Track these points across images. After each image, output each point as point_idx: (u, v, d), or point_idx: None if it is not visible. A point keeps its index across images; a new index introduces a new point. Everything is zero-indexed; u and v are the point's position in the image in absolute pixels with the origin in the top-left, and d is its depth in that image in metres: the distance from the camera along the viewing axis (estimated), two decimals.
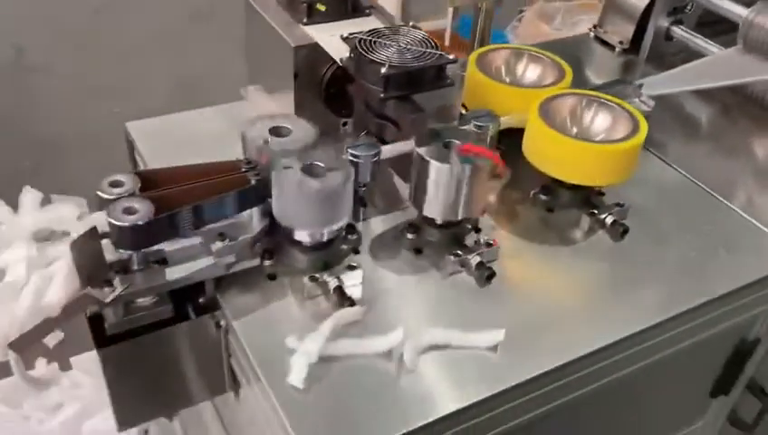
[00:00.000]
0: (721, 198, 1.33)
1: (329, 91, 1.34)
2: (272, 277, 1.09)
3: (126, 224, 0.92)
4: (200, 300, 1.06)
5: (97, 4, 4.27)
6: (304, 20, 1.32)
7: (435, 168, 1.06)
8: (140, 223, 0.93)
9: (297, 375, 0.93)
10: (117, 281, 0.96)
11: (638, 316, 1.08)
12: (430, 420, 0.92)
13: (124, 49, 3.90)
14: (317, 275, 1.06)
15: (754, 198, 1.36)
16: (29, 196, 1.08)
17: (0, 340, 0.91)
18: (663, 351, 1.14)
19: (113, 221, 0.92)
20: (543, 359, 1.01)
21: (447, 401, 0.94)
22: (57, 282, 0.92)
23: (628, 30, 1.78)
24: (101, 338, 0.99)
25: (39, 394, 1.82)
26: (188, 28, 4.18)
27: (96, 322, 1.01)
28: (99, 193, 0.98)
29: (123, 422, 1.09)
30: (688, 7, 1.72)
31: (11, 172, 2.90)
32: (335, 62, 1.31)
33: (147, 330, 1.01)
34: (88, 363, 1.89)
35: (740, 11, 1.57)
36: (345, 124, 1.40)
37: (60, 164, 2.95)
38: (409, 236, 1.16)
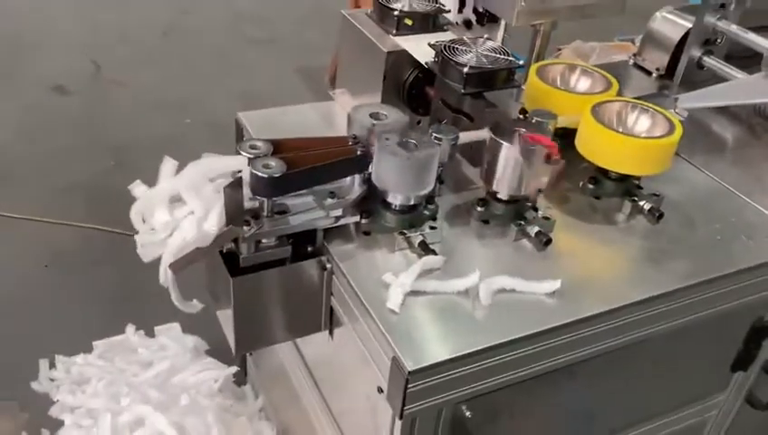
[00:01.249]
0: (743, 196, 1.55)
1: (410, 93, 1.60)
2: (367, 233, 1.33)
3: (265, 175, 1.17)
4: (309, 249, 1.30)
5: (164, 27, 4.66)
6: (393, 32, 1.59)
7: (505, 148, 1.30)
8: (276, 175, 1.18)
9: (394, 301, 1.17)
10: (253, 222, 1.20)
11: (671, 280, 1.30)
12: (501, 341, 1.14)
13: (190, 67, 4.26)
14: (405, 232, 1.30)
15: None
16: (168, 164, 1.33)
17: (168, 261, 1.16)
18: (690, 313, 1.35)
19: (256, 172, 1.17)
20: (590, 306, 1.23)
21: (513, 330, 1.16)
22: (213, 216, 1.17)
23: (664, 58, 2.02)
24: (235, 269, 1.23)
25: (130, 354, 2.07)
26: (247, 50, 4.54)
27: (229, 257, 1.26)
28: (240, 151, 1.23)
29: (241, 346, 1.33)
30: (719, 40, 1.95)
31: (99, 169, 3.23)
32: (416, 68, 1.57)
33: (269, 266, 1.25)
34: (173, 332, 2.15)
35: (765, 43, 1.80)
36: (419, 123, 1.65)
37: (138, 164, 3.24)
38: (479, 208, 1.40)
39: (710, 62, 1.95)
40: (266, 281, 1.27)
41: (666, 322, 1.33)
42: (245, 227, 1.20)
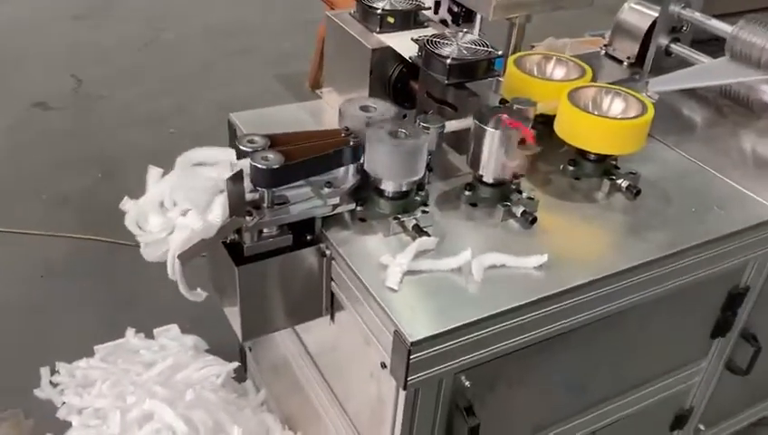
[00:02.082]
0: (713, 171, 1.64)
1: (395, 87, 1.67)
2: (362, 220, 1.40)
3: (265, 167, 1.24)
4: (309, 237, 1.37)
5: (142, 42, 4.71)
6: (377, 30, 1.66)
7: (490, 134, 1.38)
8: (275, 166, 1.24)
9: (393, 279, 1.24)
10: (255, 213, 1.27)
11: (652, 250, 1.39)
12: (494, 312, 1.21)
13: (170, 79, 4.31)
14: (399, 217, 1.37)
15: (739, 171, 1.66)
16: (153, 172, 1.39)
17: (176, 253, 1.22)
18: (672, 281, 1.43)
19: (256, 164, 1.24)
20: (576, 276, 1.30)
21: (505, 301, 1.23)
22: (216, 208, 1.23)
23: (634, 47, 2.12)
24: (239, 259, 1.30)
25: (132, 356, 2.12)
26: (225, 61, 4.59)
27: (232, 248, 1.32)
28: (238, 145, 1.29)
29: (248, 333, 1.39)
30: (684, 27, 2.05)
31: (87, 182, 3.26)
32: (401, 63, 1.65)
33: (272, 255, 1.32)
34: (172, 333, 2.19)
35: (726, 28, 1.90)
36: (405, 116, 1.72)
37: (125, 175, 3.28)
38: (467, 193, 1.47)
39: (677, 48, 2.05)
40: (270, 269, 1.33)
41: (649, 290, 1.41)
42: (248, 218, 1.26)
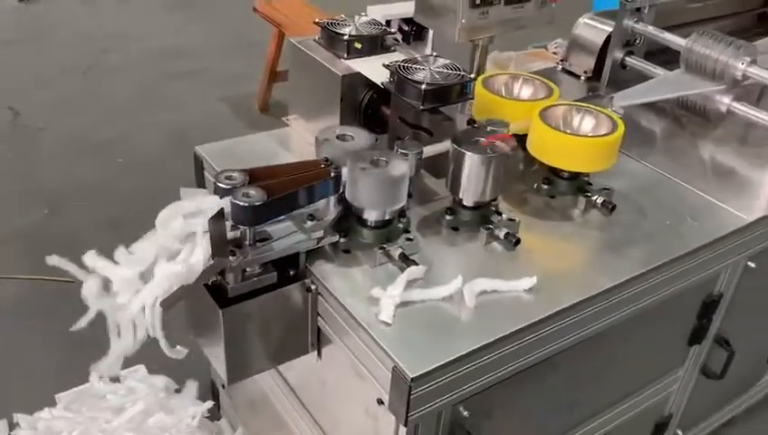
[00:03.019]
0: (681, 182, 1.68)
1: (366, 113, 1.65)
2: (347, 251, 1.37)
3: (247, 204, 1.20)
4: (292, 272, 1.33)
5: (84, 67, 4.55)
6: (345, 55, 1.64)
7: (469, 157, 1.37)
8: (258, 203, 1.20)
9: (386, 313, 1.21)
10: (238, 252, 1.22)
11: (634, 266, 1.40)
12: (492, 339, 1.20)
13: (115, 106, 4.18)
14: (384, 246, 1.34)
15: (705, 181, 1.70)
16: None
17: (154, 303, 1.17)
18: (653, 295, 1.45)
19: (238, 202, 1.19)
20: (567, 297, 1.31)
21: (501, 328, 1.22)
22: (198, 252, 1.18)
23: (590, 62, 2.16)
24: (223, 301, 1.25)
25: (98, 402, 2.02)
26: (172, 84, 4.48)
27: (215, 290, 1.27)
28: (216, 183, 1.25)
29: (233, 377, 1.33)
30: (638, 41, 2.11)
31: (33, 218, 3.12)
32: (371, 89, 1.63)
33: (256, 294, 1.27)
34: (139, 374, 2.11)
35: (679, 41, 1.96)
36: (377, 141, 1.70)
37: (73, 209, 3.16)
38: (448, 217, 1.46)
39: (632, 61, 2.10)
40: (255, 309, 1.28)
41: (633, 305, 1.43)
42: (231, 258, 1.21)
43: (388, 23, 1.87)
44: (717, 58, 1.85)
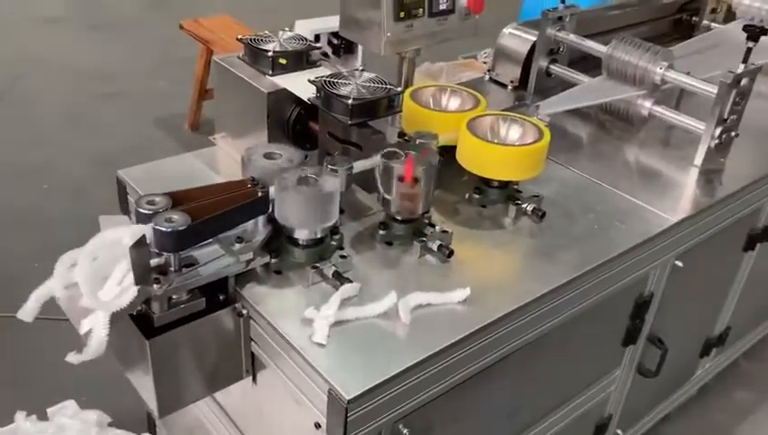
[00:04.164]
0: (608, 186, 1.71)
1: (294, 129, 1.62)
2: (278, 272, 1.33)
3: (170, 229, 1.15)
4: (222, 297, 1.28)
5: None
6: (269, 72, 1.61)
7: (399, 170, 1.36)
8: (181, 228, 1.16)
9: (320, 334, 1.18)
10: (162, 279, 1.17)
11: (566, 271, 1.41)
12: (428, 354, 1.18)
13: (37, 131, 4.02)
14: (317, 265, 1.32)
15: (630, 184, 1.74)
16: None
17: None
18: (586, 299, 1.47)
19: (160, 228, 1.15)
20: (501, 306, 1.30)
21: (436, 342, 1.21)
22: (109, 284, 1.13)
23: (516, 71, 2.19)
24: (149, 331, 1.19)
25: None
26: (96, 106, 4.34)
27: (140, 319, 1.21)
28: (138, 208, 1.20)
29: (165, 409, 1.28)
30: (561, 49, 2.15)
31: None
32: (298, 105, 1.60)
33: (184, 322, 1.23)
34: (69, 410, 2.01)
35: (600, 48, 2.01)
36: (307, 157, 1.68)
37: (1, 240, 3.01)
38: (381, 232, 1.45)
39: (556, 69, 2.15)
40: (183, 337, 1.23)
41: (567, 310, 1.44)
42: (155, 286, 1.16)
43: (317, 37, 1.86)
44: (637, 64, 1.91)
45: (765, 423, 2.51)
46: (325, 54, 1.88)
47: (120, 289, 1.12)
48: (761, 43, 1.78)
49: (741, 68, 1.75)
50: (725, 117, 1.79)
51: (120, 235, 1.14)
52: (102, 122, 4.18)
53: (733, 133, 1.84)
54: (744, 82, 1.77)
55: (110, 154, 3.69)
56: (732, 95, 1.76)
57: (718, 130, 1.80)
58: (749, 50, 1.74)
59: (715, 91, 1.76)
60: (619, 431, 2.04)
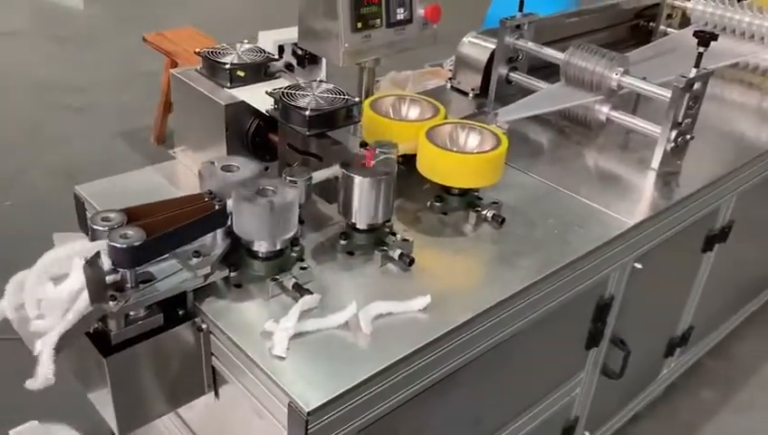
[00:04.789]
0: (566, 191, 1.74)
1: (254, 141, 1.62)
2: (238, 286, 1.33)
3: (125, 245, 1.14)
4: (181, 312, 1.27)
5: None
6: (228, 84, 1.61)
7: (358, 181, 1.37)
8: (136, 244, 1.15)
9: (280, 347, 1.18)
10: (118, 296, 1.16)
11: (526, 276, 1.43)
12: (388, 364, 1.19)
13: (2, 146, 3.94)
14: (277, 277, 1.31)
15: (589, 188, 1.77)
16: None
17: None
18: (546, 303, 1.49)
19: (115, 244, 1.14)
20: (461, 313, 1.31)
21: (397, 351, 1.21)
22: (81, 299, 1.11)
23: (477, 79, 2.22)
24: (107, 348, 1.18)
25: None
26: (61, 119, 4.29)
27: (97, 337, 1.20)
28: (92, 225, 1.19)
29: (125, 428, 1.26)
30: (520, 57, 2.18)
31: None
32: (257, 117, 1.60)
33: (143, 338, 1.21)
34: (34, 431, 1.97)
35: (558, 55, 2.04)
36: (267, 169, 1.67)
37: None
38: (342, 242, 1.45)
39: (516, 77, 2.17)
40: (142, 353, 1.22)
41: (527, 315, 1.45)
42: (111, 303, 1.15)
43: (281, 48, 1.86)
44: (593, 70, 1.94)
45: (730, 421, 2.56)
46: (290, 65, 1.89)
47: (69, 309, 1.10)
48: (716, 47, 1.82)
49: (693, 72, 1.78)
50: (680, 120, 1.83)
51: (70, 252, 1.13)
52: (67, 136, 4.12)
53: (688, 136, 1.88)
54: (696, 86, 1.81)
55: (75, 168, 3.65)
56: (685, 99, 1.79)
57: (674, 134, 1.84)
58: (700, 55, 1.78)
59: (669, 95, 1.80)
60: (586, 433, 2.06)
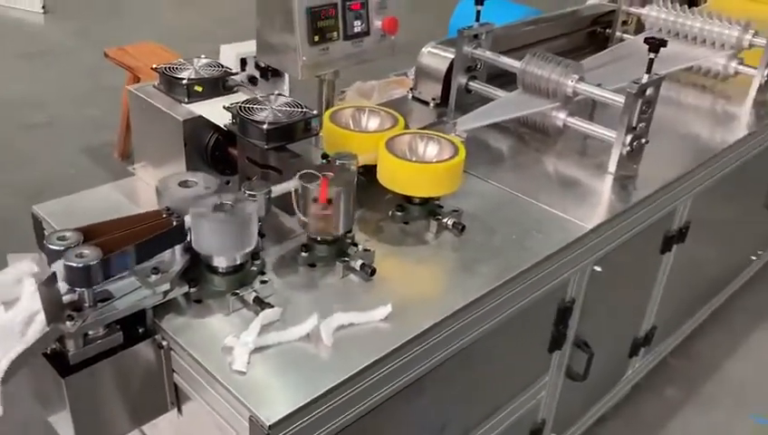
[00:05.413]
0: (525, 197, 1.76)
1: (214, 156, 1.62)
2: (198, 301, 1.32)
3: (81, 265, 1.13)
4: (141, 330, 1.27)
5: None
6: (185, 100, 1.61)
7: (313, 194, 1.37)
8: (93, 263, 1.14)
9: (240, 361, 1.18)
10: (76, 316, 1.15)
11: (486, 282, 1.45)
12: (349, 375, 1.19)
13: None
14: (237, 292, 1.31)
15: (547, 194, 1.80)
16: None
17: None
18: (507, 308, 1.51)
19: (71, 264, 1.13)
20: (422, 321, 1.33)
21: (358, 361, 1.22)
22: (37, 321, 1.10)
23: (437, 88, 2.24)
24: (65, 369, 1.17)
25: None
26: (24, 137, 4.22)
27: (55, 358, 1.19)
28: (47, 245, 1.18)
29: None
30: (478, 66, 2.21)
31: None
32: (216, 131, 1.60)
33: (102, 357, 1.20)
34: None
35: (515, 63, 2.08)
36: (228, 183, 1.68)
37: None
38: (303, 254, 1.45)
39: (475, 86, 2.20)
40: (101, 373, 1.21)
41: (489, 320, 1.47)
42: (69, 323, 1.14)
43: (244, 61, 1.86)
44: (549, 77, 1.98)
45: (695, 418, 2.60)
46: (253, 78, 1.89)
47: (22, 332, 1.09)
48: (670, 52, 1.87)
49: (645, 78, 1.83)
50: (634, 125, 1.87)
51: (16, 274, 1.12)
52: (30, 153, 4.07)
53: (643, 140, 1.92)
54: (649, 91, 1.85)
55: (38, 186, 3.60)
56: (638, 104, 1.84)
57: (629, 138, 1.88)
58: (651, 60, 1.82)
59: (623, 100, 1.84)
60: None
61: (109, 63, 4.02)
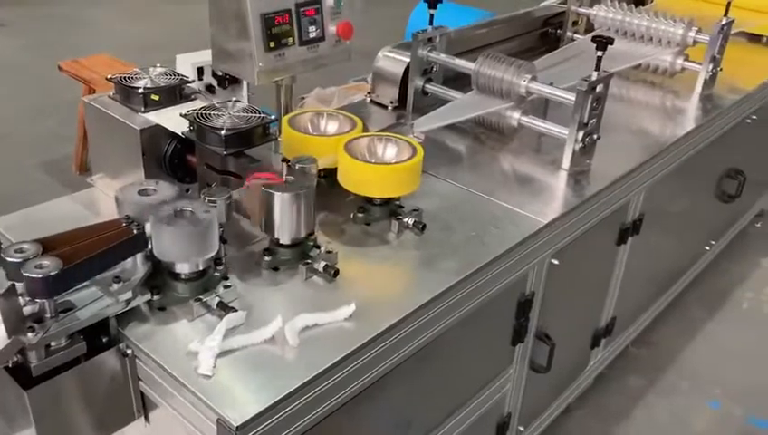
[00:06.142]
0: (483, 195, 1.80)
1: (172, 163, 1.62)
2: (162, 309, 1.33)
3: (41, 276, 1.13)
4: (105, 339, 1.27)
5: None
6: (142, 109, 1.61)
7: (278, 197, 1.39)
8: (53, 273, 1.14)
9: (205, 366, 1.19)
10: (37, 327, 1.15)
11: (446, 278, 1.48)
12: (314, 374, 1.21)
13: None
14: (201, 297, 1.32)
15: (504, 191, 1.84)
16: None
17: None
18: (468, 303, 1.54)
19: (30, 275, 1.13)
20: (386, 319, 1.35)
21: (324, 360, 1.24)
22: None
23: (394, 92, 2.28)
24: (27, 381, 1.16)
25: None
26: None
27: (16, 371, 1.18)
28: (6, 258, 1.17)
29: None
30: (434, 68, 2.25)
31: None
32: (174, 139, 1.61)
33: (65, 368, 1.20)
34: None
35: (469, 65, 2.12)
36: (188, 190, 1.68)
37: None
38: (266, 258, 1.47)
39: (432, 88, 2.24)
40: (65, 384, 1.21)
41: (451, 316, 1.50)
42: (30, 335, 1.14)
43: (201, 70, 1.87)
44: (502, 78, 2.03)
45: (657, 404, 2.68)
46: (211, 87, 1.89)
47: None
48: (618, 50, 1.93)
49: (594, 75, 1.89)
50: (586, 121, 1.93)
51: None
52: None
53: (595, 136, 1.98)
54: (598, 88, 1.91)
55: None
56: (589, 101, 1.89)
57: (580, 134, 1.93)
58: (599, 58, 1.88)
59: (574, 98, 1.90)
60: (520, 428, 2.12)
61: (64, 77, 3.97)
